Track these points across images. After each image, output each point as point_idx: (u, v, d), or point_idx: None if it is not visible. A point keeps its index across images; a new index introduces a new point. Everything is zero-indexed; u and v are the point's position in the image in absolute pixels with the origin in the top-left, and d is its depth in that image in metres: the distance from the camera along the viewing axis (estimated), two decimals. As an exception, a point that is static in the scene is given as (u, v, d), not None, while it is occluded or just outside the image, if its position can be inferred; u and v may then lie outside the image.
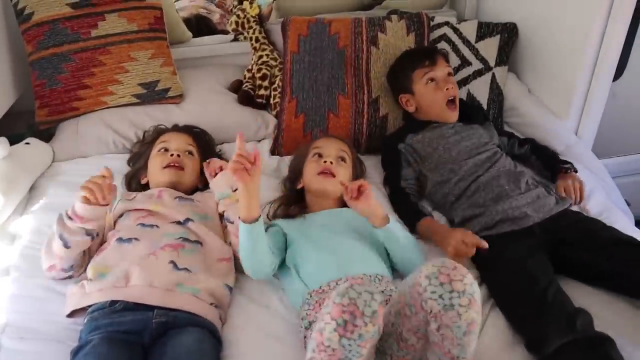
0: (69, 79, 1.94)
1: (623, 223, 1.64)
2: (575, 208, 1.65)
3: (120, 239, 1.42)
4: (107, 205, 1.40)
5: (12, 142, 2.01)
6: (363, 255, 1.41)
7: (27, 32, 1.94)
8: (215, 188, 1.55)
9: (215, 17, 3.02)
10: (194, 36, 2.54)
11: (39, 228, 1.62)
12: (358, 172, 1.73)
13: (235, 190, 1.48)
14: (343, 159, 1.63)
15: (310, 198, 1.62)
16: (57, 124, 2.01)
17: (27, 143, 1.87)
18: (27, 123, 2.09)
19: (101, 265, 1.37)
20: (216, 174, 1.57)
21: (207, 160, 1.63)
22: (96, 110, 1.99)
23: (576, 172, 1.73)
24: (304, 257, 1.40)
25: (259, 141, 2.07)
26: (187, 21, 2.79)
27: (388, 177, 1.80)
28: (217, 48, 2.38)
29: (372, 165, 1.89)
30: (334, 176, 1.57)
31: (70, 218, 1.38)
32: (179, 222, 1.47)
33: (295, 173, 1.70)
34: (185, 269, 1.36)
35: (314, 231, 1.47)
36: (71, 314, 1.34)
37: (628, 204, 1.94)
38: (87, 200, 1.36)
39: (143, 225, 1.46)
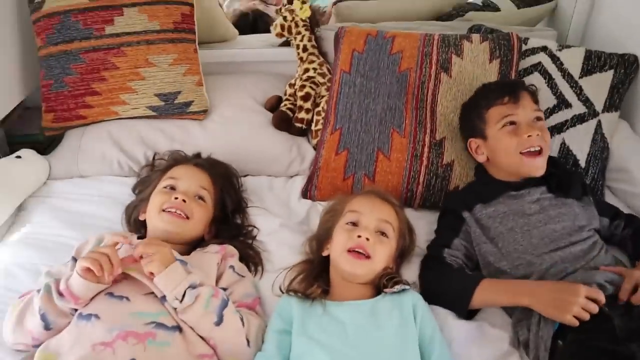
0: (77, 82, 1.65)
1: None
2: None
3: (80, 314, 1.10)
4: (109, 285, 1.12)
5: (26, 142, 1.77)
6: None
7: (38, 23, 1.66)
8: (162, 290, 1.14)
9: (274, 13, 2.67)
10: (250, 33, 2.24)
11: (9, 268, 1.33)
12: (406, 243, 1.33)
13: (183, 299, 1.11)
14: (384, 233, 1.23)
15: (335, 276, 1.24)
16: (64, 131, 1.73)
17: (19, 156, 1.59)
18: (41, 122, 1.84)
19: (50, 351, 1.05)
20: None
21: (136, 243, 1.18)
22: (105, 121, 1.69)
23: None
24: None
25: (291, 177, 1.70)
26: (244, 16, 2.54)
27: (433, 242, 1.39)
28: (264, 53, 2.01)
29: (425, 225, 1.47)
30: (368, 257, 1.18)
31: (60, 295, 1.09)
32: (156, 296, 1.13)
33: (324, 234, 1.32)
34: None
35: (328, 335, 1.10)
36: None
37: None
38: (88, 274, 1.07)
39: (111, 295, 1.12)
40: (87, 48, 1.63)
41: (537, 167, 1.37)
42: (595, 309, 1.08)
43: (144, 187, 1.48)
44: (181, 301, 1.09)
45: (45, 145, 1.80)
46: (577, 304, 1.08)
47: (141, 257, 1.12)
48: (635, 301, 1.14)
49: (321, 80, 1.78)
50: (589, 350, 1.07)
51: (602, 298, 1.10)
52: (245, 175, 1.64)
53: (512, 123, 1.39)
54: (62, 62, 1.64)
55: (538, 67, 1.67)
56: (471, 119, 1.49)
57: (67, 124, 1.70)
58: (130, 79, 1.65)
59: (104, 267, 1.07)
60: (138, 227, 1.41)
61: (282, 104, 1.79)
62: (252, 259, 1.38)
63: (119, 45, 1.64)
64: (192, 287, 1.11)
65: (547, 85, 1.64)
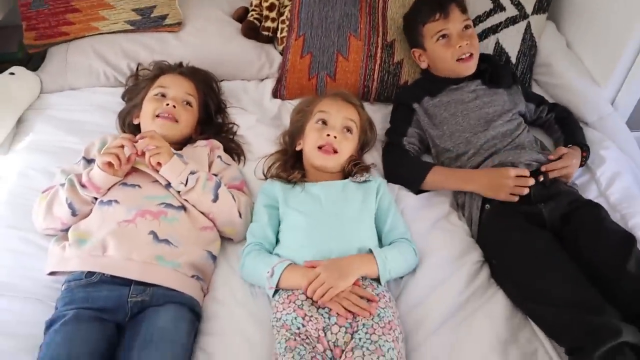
0: (56, 1, 1.77)
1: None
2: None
3: (101, 202, 1.34)
4: (122, 178, 1.36)
5: (4, 61, 1.90)
6: (352, 234, 1.33)
7: (9, -60, 1.75)
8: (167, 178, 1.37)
9: None
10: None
11: (23, 171, 1.53)
12: (368, 138, 1.60)
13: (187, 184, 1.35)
14: (349, 129, 1.47)
15: (308, 166, 1.49)
16: (47, 48, 1.86)
17: (12, 73, 1.74)
18: (19, 41, 1.95)
19: (81, 231, 1.30)
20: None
21: (137, 137, 1.36)
22: (87, 37, 1.83)
23: (585, 160, 1.56)
24: (286, 234, 1.35)
25: (262, 80, 1.90)
26: None
27: (391, 130, 1.65)
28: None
29: (381, 117, 1.74)
30: (335, 152, 1.43)
31: (83, 186, 1.31)
32: (161, 184, 1.37)
33: (296, 131, 1.56)
34: (166, 240, 1.28)
35: (307, 205, 1.37)
36: (52, 273, 1.29)
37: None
38: (108, 167, 1.30)
39: (125, 184, 1.36)
40: (63, -36, 1.74)
41: (469, 68, 1.63)
42: (523, 191, 1.37)
43: (133, 95, 1.65)
44: (185, 185, 1.34)
45: (24, 63, 1.92)
46: (508, 185, 1.37)
47: (143, 152, 1.34)
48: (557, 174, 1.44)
49: (284, -10, 1.94)
50: (509, 210, 1.39)
51: (527, 173, 1.39)
52: (221, 80, 1.82)
53: (444, 36, 1.62)
54: (39, -20, 1.75)
55: (476, -27, 1.87)
56: (411, 33, 1.72)
57: (50, 41, 1.83)
58: (107, -5, 1.78)
59: (120, 159, 1.30)
60: (132, 130, 1.58)
61: (249, 14, 1.95)
62: (234, 150, 1.61)
63: (94, -38, 1.75)
64: (192, 173, 1.35)
65: (484, -10, 1.86)
